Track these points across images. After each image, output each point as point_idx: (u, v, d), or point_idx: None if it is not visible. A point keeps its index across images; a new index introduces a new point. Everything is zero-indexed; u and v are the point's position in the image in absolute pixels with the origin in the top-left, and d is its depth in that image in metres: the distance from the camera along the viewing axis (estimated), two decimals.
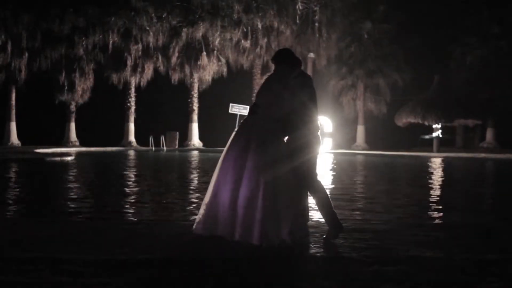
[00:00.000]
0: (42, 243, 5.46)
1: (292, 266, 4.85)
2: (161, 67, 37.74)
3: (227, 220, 5.45)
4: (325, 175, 15.56)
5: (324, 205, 5.70)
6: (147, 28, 36.46)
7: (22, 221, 7.34)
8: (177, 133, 38.17)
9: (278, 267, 4.78)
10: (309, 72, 36.81)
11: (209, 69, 37.52)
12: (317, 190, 5.67)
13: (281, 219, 5.39)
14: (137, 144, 38.14)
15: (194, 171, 17.99)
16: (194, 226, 5.81)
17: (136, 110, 38.69)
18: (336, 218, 5.74)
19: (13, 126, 36.37)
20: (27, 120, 36.72)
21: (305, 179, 5.62)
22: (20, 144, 35.96)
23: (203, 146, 38.51)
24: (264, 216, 5.33)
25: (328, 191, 5.94)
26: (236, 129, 5.82)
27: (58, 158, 22.57)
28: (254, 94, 11.32)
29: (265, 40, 37.41)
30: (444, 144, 37.90)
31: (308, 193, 5.71)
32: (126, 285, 4.14)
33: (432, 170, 19.90)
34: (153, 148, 35.65)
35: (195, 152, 32.68)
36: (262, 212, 5.32)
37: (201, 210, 5.73)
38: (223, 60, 37.95)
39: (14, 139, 36.25)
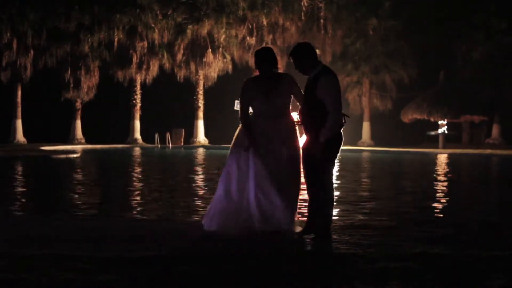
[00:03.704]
0: (49, 240, 5.48)
1: (297, 263, 4.85)
2: (167, 64, 37.68)
3: (233, 212, 5.58)
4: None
5: (324, 206, 5.62)
6: (153, 25, 36.42)
7: (28, 219, 7.37)
8: (183, 130, 38.14)
9: (283, 263, 4.78)
10: None
11: (214, 66, 37.46)
12: (324, 188, 5.64)
13: (283, 208, 5.50)
14: (143, 141, 38.15)
15: (199, 168, 18.00)
16: (203, 221, 5.89)
17: (141, 107, 38.65)
18: (328, 226, 5.68)
19: (19, 123, 36.41)
20: (32, 117, 36.74)
21: (317, 174, 5.58)
22: (25, 142, 35.96)
23: (209, 143, 38.49)
24: (265, 204, 5.46)
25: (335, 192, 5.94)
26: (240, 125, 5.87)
27: (64, 156, 22.63)
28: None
29: (271, 37, 37.36)
30: (450, 140, 37.78)
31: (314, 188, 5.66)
32: (133, 281, 4.16)
33: (438, 167, 19.84)
34: (159, 145, 35.67)
35: (201, 149, 32.71)
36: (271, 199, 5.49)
37: (211, 205, 5.81)
38: (229, 57, 37.91)
39: (20, 136, 36.29)
